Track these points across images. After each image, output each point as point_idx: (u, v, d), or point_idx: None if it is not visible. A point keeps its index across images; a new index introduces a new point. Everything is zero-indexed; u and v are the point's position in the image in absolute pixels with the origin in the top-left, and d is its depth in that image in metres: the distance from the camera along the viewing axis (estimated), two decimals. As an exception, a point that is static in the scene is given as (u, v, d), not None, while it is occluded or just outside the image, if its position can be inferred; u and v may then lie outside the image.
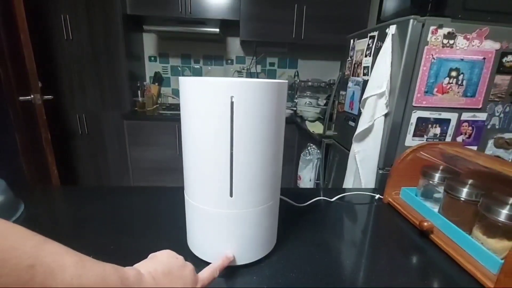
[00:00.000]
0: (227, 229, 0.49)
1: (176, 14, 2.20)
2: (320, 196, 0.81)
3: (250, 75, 2.77)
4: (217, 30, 2.27)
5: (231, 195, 0.47)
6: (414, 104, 1.03)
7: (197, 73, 2.77)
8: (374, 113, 1.07)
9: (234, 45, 2.70)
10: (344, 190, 0.89)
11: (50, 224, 0.64)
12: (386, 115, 1.07)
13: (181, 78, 0.46)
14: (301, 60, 2.79)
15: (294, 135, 2.34)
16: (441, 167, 0.74)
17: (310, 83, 2.64)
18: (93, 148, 2.39)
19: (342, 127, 1.49)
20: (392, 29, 1.01)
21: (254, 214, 0.49)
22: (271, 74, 2.83)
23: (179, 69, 2.75)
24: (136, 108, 2.38)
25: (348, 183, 1.25)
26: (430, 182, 0.74)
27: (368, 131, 1.11)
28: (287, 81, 0.51)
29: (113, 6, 2.08)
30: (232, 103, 0.42)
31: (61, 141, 2.30)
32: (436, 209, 0.69)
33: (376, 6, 2.11)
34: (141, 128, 2.24)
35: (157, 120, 2.26)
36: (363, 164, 1.14)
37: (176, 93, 2.78)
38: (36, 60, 1.62)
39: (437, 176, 0.72)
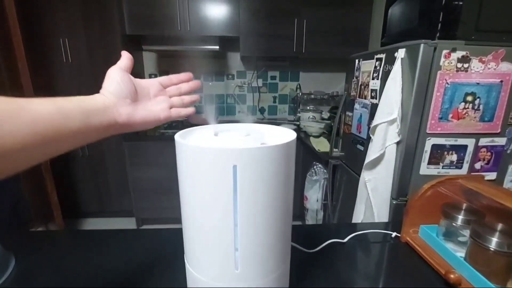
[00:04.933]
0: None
1: (175, 32, 2.18)
2: (331, 239, 0.75)
3: (252, 89, 2.74)
4: (217, 47, 2.24)
5: (236, 268, 0.42)
6: (428, 131, 0.97)
7: (198, 89, 2.74)
8: (385, 140, 1.01)
9: (235, 60, 2.67)
10: (356, 227, 0.83)
11: (44, 278, 0.60)
12: (398, 143, 1.02)
13: (177, 141, 0.41)
14: (303, 72, 2.76)
15: (299, 151, 2.27)
16: (464, 207, 0.68)
17: (312, 96, 2.60)
18: (94, 170, 2.35)
19: (350, 150, 1.43)
20: (401, 53, 0.96)
21: (263, 285, 0.44)
22: (273, 88, 2.79)
23: (180, 86, 2.72)
24: (136, 128, 2.35)
25: (358, 211, 1.19)
26: (453, 224, 0.68)
27: (379, 159, 1.05)
28: (295, 135, 0.45)
29: (112, 28, 2.06)
30: (235, 172, 0.37)
31: (62, 164, 2.26)
32: (460, 253, 0.63)
33: (379, 20, 2.07)
34: (141, 148, 2.20)
35: (158, 140, 2.22)
36: (375, 193, 1.08)
37: (177, 110, 2.74)
38: (35, 84, 1.59)
39: (460, 218, 0.66)
